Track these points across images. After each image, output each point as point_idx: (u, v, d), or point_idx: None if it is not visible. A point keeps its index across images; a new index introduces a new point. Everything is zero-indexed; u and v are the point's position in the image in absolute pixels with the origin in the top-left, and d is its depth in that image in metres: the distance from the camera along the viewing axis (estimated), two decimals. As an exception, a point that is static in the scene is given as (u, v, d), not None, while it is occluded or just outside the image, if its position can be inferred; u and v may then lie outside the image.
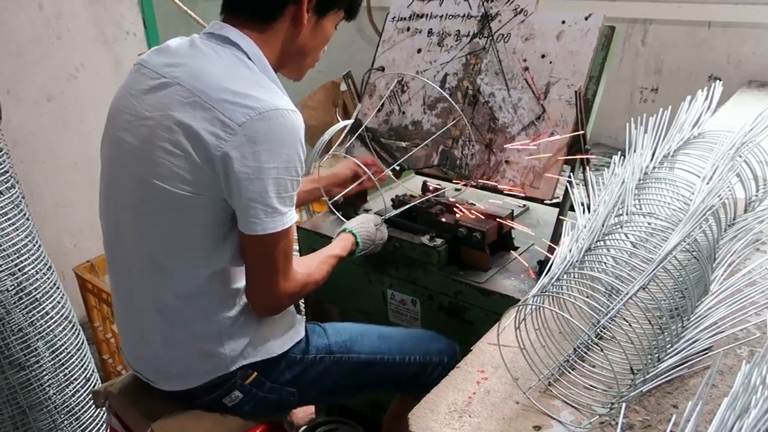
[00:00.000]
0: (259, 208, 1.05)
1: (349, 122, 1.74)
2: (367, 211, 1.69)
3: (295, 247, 1.78)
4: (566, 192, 1.36)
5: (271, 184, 1.05)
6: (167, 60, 1.12)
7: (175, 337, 1.17)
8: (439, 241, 1.47)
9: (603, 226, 0.97)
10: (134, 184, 1.11)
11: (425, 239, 1.48)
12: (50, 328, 1.66)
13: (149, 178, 1.07)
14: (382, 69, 1.69)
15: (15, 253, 1.59)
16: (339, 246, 1.37)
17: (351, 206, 1.73)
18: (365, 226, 1.43)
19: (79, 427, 1.75)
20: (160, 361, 1.21)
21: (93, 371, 1.83)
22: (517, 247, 1.52)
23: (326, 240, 1.63)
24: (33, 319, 1.62)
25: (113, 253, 1.22)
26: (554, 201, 1.44)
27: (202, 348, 1.17)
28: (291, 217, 1.10)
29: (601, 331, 0.98)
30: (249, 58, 1.12)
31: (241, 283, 1.17)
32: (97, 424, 1.80)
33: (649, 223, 0.99)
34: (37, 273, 1.65)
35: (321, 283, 1.28)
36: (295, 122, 1.07)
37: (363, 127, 1.67)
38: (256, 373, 1.22)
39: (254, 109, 1.03)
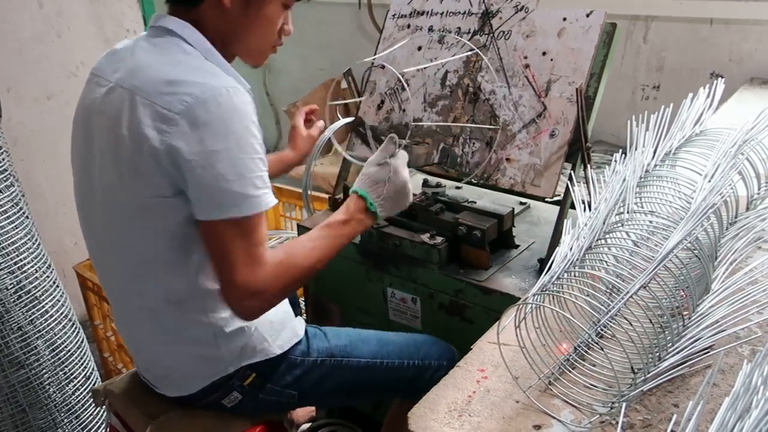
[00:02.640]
0: (216, 195, 0.99)
1: (348, 120, 1.73)
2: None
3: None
4: (567, 190, 1.35)
5: (227, 167, 0.99)
6: (114, 64, 1.11)
7: (169, 342, 1.16)
8: (439, 239, 1.46)
9: (604, 224, 0.96)
10: (100, 197, 1.10)
11: (425, 237, 1.47)
12: (50, 327, 1.66)
13: (112, 190, 1.07)
14: (383, 66, 1.69)
15: (14, 252, 1.59)
16: (336, 216, 1.20)
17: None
18: (370, 173, 1.24)
19: (79, 425, 1.75)
20: (160, 367, 1.21)
21: (93, 369, 1.83)
22: (518, 245, 1.52)
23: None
24: (33, 317, 1.62)
25: (97, 264, 1.22)
26: (555, 199, 1.43)
27: (199, 352, 1.16)
28: (264, 201, 1.02)
29: (602, 330, 0.97)
30: (188, 43, 1.08)
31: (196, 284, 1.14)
32: (97, 422, 1.80)
33: (650, 222, 0.99)
34: (37, 271, 1.65)
35: (317, 266, 1.14)
36: (236, 99, 1.01)
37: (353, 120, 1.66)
38: (254, 375, 1.22)
39: (190, 94, 0.98)
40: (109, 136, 1.06)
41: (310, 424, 1.86)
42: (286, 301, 1.34)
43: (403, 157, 1.27)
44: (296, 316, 1.36)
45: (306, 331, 1.32)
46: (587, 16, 1.39)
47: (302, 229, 1.70)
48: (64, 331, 1.71)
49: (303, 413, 1.86)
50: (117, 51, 1.15)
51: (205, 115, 0.98)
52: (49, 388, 1.66)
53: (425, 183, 1.68)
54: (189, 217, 1.05)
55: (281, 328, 1.26)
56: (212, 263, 1.06)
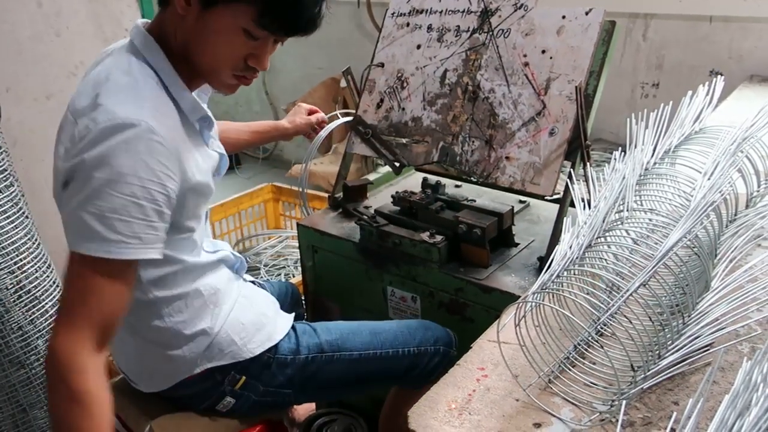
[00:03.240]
0: (77, 223, 0.93)
1: (347, 119, 1.73)
2: (367, 207, 1.68)
3: (294, 244, 1.78)
4: (567, 188, 1.35)
5: (92, 197, 0.91)
6: (91, 70, 1.11)
7: (136, 343, 1.19)
8: (439, 237, 1.46)
9: (603, 222, 0.96)
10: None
11: (425, 236, 1.47)
12: (50, 326, 1.66)
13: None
14: (382, 65, 1.69)
15: (14, 252, 1.59)
16: None
17: (350, 202, 1.72)
18: None
19: (80, 424, 1.75)
20: (131, 363, 1.24)
21: (93, 369, 1.83)
22: (518, 244, 1.52)
23: (325, 236, 1.63)
24: (33, 317, 1.62)
25: None
26: (555, 197, 1.43)
27: (162, 352, 1.17)
28: (115, 249, 0.91)
29: (602, 328, 0.97)
30: (146, 61, 1.03)
31: (188, 287, 1.15)
32: (97, 421, 1.80)
33: (650, 220, 0.99)
34: (37, 271, 1.65)
35: (72, 421, 0.91)
36: (138, 134, 0.93)
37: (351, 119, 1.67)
38: (244, 378, 1.22)
39: (95, 120, 0.93)
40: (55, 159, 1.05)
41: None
42: (263, 302, 1.34)
43: None
44: (295, 314, 1.37)
45: (295, 329, 1.32)
46: (586, 14, 1.39)
47: (302, 229, 1.70)
48: (64, 330, 1.71)
49: (303, 411, 1.86)
50: (102, 53, 1.15)
51: (99, 140, 0.92)
52: (50, 388, 1.66)
53: (425, 181, 1.68)
54: None
55: (255, 330, 1.24)
56: None
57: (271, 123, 1.69)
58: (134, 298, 1.06)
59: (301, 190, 1.77)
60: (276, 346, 1.26)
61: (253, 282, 1.43)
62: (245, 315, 1.24)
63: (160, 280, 1.12)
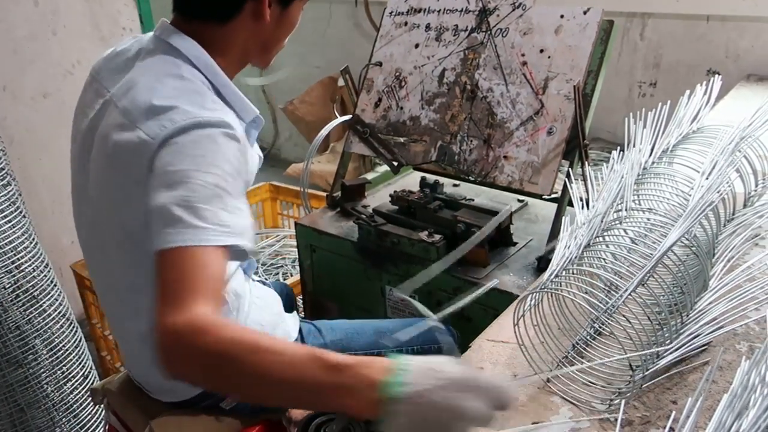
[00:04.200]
0: (165, 216, 0.87)
1: (346, 118, 1.73)
2: (365, 207, 1.68)
3: (293, 243, 1.78)
4: (565, 187, 1.35)
5: (180, 191, 0.88)
6: (113, 73, 1.08)
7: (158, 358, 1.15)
8: (437, 237, 1.46)
9: (602, 221, 0.96)
10: (92, 214, 1.07)
11: (424, 235, 1.47)
12: (48, 326, 1.66)
13: (102, 212, 1.03)
14: (380, 64, 1.69)
15: (12, 251, 1.59)
16: (344, 357, 0.75)
17: (348, 201, 1.72)
18: (431, 374, 0.73)
19: (78, 424, 1.74)
20: (152, 376, 1.21)
21: (91, 368, 1.83)
22: (516, 243, 1.52)
23: (324, 236, 1.63)
24: (30, 316, 1.62)
25: (93, 281, 1.21)
26: (553, 196, 1.44)
27: None
28: (210, 237, 0.85)
29: (600, 327, 0.97)
30: (193, 64, 1.04)
31: None
32: (95, 421, 1.80)
33: (648, 219, 0.99)
34: (35, 270, 1.64)
35: (256, 372, 0.75)
36: (216, 132, 0.93)
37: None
38: None
39: (172, 120, 0.93)
40: (101, 155, 1.02)
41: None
42: (276, 302, 1.33)
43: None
44: (292, 313, 1.36)
45: (300, 329, 1.32)
46: (584, 13, 1.40)
47: (300, 228, 1.70)
48: (61, 330, 1.70)
49: (301, 410, 1.86)
50: (118, 54, 1.11)
51: (180, 138, 0.92)
52: (47, 387, 1.66)
53: (423, 181, 1.68)
54: None
55: (272, 330, 1.25)
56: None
57: None
58: None
59: (302, 189, 1.77)
60: None
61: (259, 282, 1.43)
62: (263, 316, 1.24)
63: None
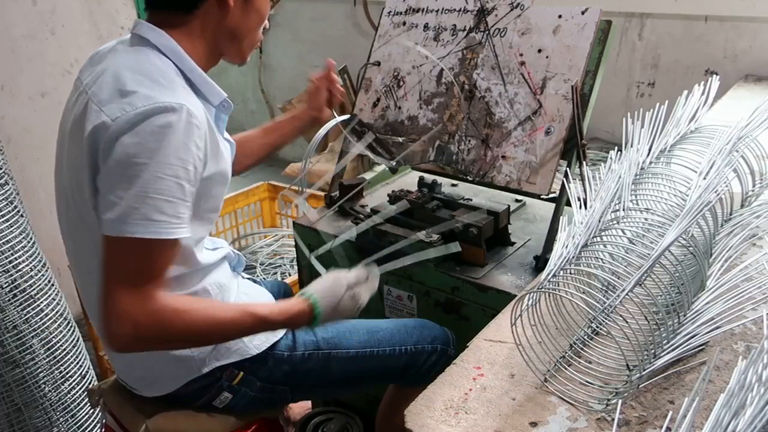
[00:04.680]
0: (121, 208, 0.94)
1: (345, 117, 1.73)
2: (362, 206, 1.68)
3: (291, 243, 1.78)
4: (563, 187, 1.35)
5: (139, 184, 0.94)
6: (90, 67, 1.11)
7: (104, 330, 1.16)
8: (435, 236, 1.46)
9: (599, 221, 0.96)
10: (66, 205, 1.12)
11: (422, 235, 1.47)
12: (45, 325, 1.66)
13: (74, 200, 1.07)
14: (378, 64, 1.69)
15: (9, 250, 1.58)
16: (278, 308, 1.11)
17: (347, 201, 1.72)
18: (332, 292, 1.15)
19: (75, 424, 1.74)
20: (136, 368, 1.22)
21: (89, 368, 1.83)
22: (514, 243, 1.52)
23: (322, 236, 1.63)
24: (28, 316, 1.62)
25: (74, 271, 1.23)
26: (551, 196, 1.44)
27: (170, 355, 1.16)
28: (164, 229, 0.95)
29: (598, 327, 0.98)
30: (162, 53, 1.07)
31: (197, 285, 1.15)
32: (92, 421, 1.80)
33: (645, 219, 0.99)
34: (32, 270, 1.64)
35: (205, 338, 1.07)
36: (177, 118, 0.97)
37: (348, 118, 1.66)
38: (242, 373, 1.22)
39: (132, 104, 0.96)
40: (72, 143, 1.06)
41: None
42: (262, 299, 1.34)
43: (372, 285, 1.21)
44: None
45: None
46: (582, 13, 1.40)
47: (298, 227, 1.70)
48: (59, 329, 1.70)
49: (299, 409, 1.86)
50: (98, 52, 1.15)
51: (140, 126, 0.95)
52: (45, 387, 1.66)
53: (421, 180, 1.68)
54: None
55: None
56: (102, 279, 0.97)
57: (286, 118, 1.59)
58: None
59: (300, 189, 1.77)
60: (274, 343, 1.26)
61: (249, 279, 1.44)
62: None
63: (178, 279, 1.11)
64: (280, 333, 1.28)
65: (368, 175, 1.89)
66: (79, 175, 1.03)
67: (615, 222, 0.98)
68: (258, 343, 1.23)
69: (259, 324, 1.09)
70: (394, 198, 1.59)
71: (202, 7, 1.09)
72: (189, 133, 0.98)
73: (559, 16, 1.42)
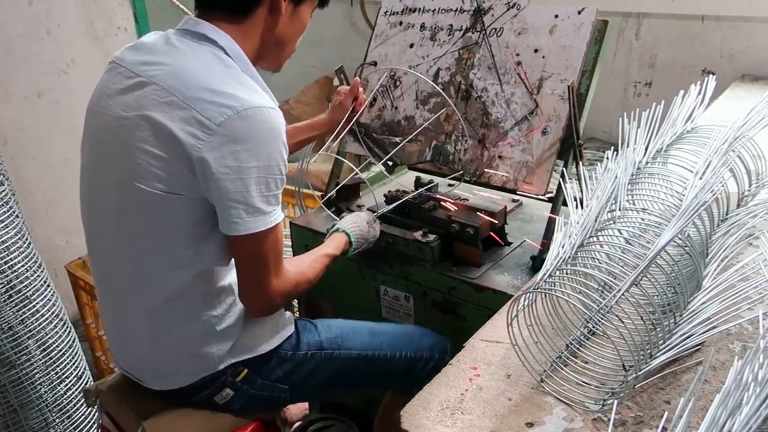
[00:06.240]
0: (240, 209, 1.04)
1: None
2: (360, 207, 1.68)
3: (288, 243, 1.78)
4: (559, 187, 1.35)
5: (253, 184, 1.03)
6: (142, 58, 1.11)
7: (162, 338, 1.16)
8: (432, 236, 1.46)
9: (596, 221, 0.96)
10: (114, 184, 1.10)
11: (418, 235, 1.47)
12: (41, 326, 1.65)
13: (128, 179, 1.06)
14: (375, 64, 1.68)
15: (5, 251, 1.58)
16: (332, 245, 1.35)
17: (344, 201, 1.72)
18: (358, 224, 1.42)
19: (71, 425, 1.74)
20: (148, 361, 1.20)
21: (85, 369, 1.82)
22: (510, 243, 1.52)
23: (319, 236, 1.63)
24: (24, 317, 1.61)
25: (96, 255, 1.21)
26: (547, 196, 1.44)
27: (190, 348, 1.16)
28: (275, 217, 1.08)
29: (594, 327, 0.97)
30: (227, 54, 1.10)
31: (225, 282, 1.16)
32: (89, 422, 1.79)
33: (642, 219, 0.99)
34: (28, 270, 1.64)
35: (314, 281, 1.26)
36: (275, 120, 1.05)
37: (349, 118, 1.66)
38: (246, 370, 1.22)
39: (232, 108, 1.01)
40: (132, 127, 1.05)
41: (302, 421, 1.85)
42: None
43: (377, 222, 1.50)
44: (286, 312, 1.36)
45: (296, 325, 1.32)
46: (579, 13, 1.40)
47: (295, 227, 1.70)
48: (55, 330, 1.70)
49: (296, 411, 1.85)
50: (145, 45, 1.14)
51: (244, 131, 1.01)
52: (41, 388, 1.65)
53: (418, 181, 1.68)
54: (203, 218, 1.07)
55: (272, 324, 1.26)
56: (239, 271, 1.12)
57: (305, 124, 1.66)
58: (182, 287, 1.12)
59: (297, 189, 1.76)
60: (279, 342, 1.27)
61: None
62: None
63: (207, 273, 1.13)
64: (290, 329, 1.30)
65: (365, 175, 1.88)
66: (146, 159, 1.04)
67: (611, 222, 0.98)
68: (272, 340, 1.25)
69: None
70: (390, 198, 1.58)
71: (257, 11, 1.13)
72: (282, 130, 1.07)
73: (556, 16, 1.42)
